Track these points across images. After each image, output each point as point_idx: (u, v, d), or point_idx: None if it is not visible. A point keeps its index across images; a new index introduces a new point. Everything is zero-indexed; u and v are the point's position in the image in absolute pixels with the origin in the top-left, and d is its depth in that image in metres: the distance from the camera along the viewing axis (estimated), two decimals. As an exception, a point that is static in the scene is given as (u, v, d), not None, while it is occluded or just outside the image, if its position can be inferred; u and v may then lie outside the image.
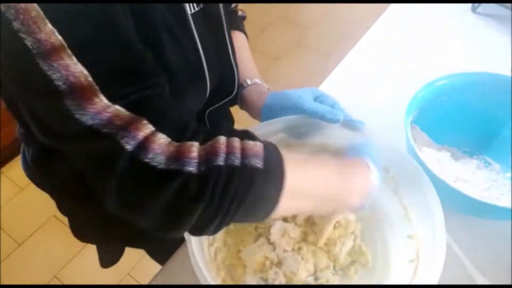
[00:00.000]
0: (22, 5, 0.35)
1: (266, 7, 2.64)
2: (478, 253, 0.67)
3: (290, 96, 0.66)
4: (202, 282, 0.50)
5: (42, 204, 1.03)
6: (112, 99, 0.38)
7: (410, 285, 0.54)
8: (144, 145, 0.38)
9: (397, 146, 0.63)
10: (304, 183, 0.48)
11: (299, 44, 2.48)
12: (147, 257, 1.03)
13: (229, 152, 0.42)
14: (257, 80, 0.75)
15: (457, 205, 0.66)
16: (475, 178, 0.76)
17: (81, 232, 0.81)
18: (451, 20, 1.09)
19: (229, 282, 0.60)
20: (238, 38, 0.79)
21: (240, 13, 0.83)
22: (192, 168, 0.39)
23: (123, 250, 0.90)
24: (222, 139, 0.42)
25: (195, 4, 0.59)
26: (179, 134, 0.41)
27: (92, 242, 0.88)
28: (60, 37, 0.36)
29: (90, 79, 0.37)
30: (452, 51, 1.00)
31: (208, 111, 0.70)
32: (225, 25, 0.65)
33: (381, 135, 0.63)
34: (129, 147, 0.38)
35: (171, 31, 0.51)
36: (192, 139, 0.41)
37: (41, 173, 0.74)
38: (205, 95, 0.62)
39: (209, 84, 0.60)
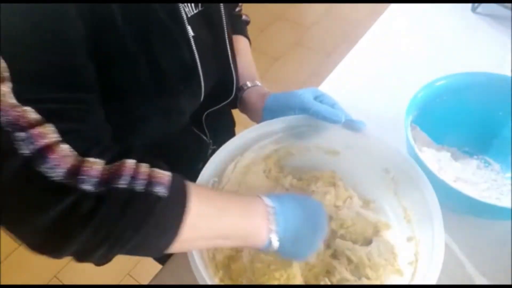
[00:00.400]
0: None
1: (266, 7, 2.64)
2: (478, 253, 0.67)
3: (291, 96, 0.66)
4: (200, 281, 0.50)
5: (42, 204, 1.03)
6: (27, 100, 0.36)
7: (410, 285, 0.54)
8: (43, 153, 0.35)
9: (397, 147, 0.63)
10: (207, 219, 0.46)
11: (299, 44, 2.48)
12: (147, 257, 1.03)
13: (134, 176, 0.39)
14: (258, 83, 0.75)
15: (457, 205, 0.66)
16: (475, 178, 0.76)
17: None
18: (451, 20, 1.09)
19: (227, 282, 0.60)
20: (240, 42, 0.79)
21: (244, 17, 0.83)
22: (90, 186, 0.37)
23: None
24: (130, 161, 0.40)
25: (193, 6, 0.59)
26: (87, 149, 0.39)
27: None
28: None
29: (6, 74, 0.35)
30: (452, 51, 1.00)
31: (205, 114, 0.70)
32: (225, 29, 0.64)
33: (381, 135, 0.63)
34: (26, 151, 0.35)
35: (165, 30, 0.51)
36: (100, 155, 0.39)
37: None
38: (199, 96, 0.61)
39: (204, 86, 0.60)
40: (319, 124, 0.64)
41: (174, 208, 0.42)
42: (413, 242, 0.59)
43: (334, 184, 0.68)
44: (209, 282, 0.50)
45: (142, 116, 0.57)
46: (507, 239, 0.69)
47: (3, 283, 1.57)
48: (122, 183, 0.38)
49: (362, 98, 0.90)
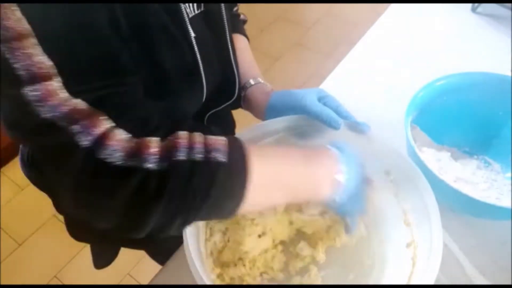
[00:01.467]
0: None
1: (266, 7, 2.64)
2: (478, 253, 0.67)
3: (294, 95, 0.65)
4: (196, 277, 0.50)
5: (42, 204, 1.03)
6: (75, 93, 0.38)
7: (410, 285, 0.54)
8: (101, 141, 0.38)
9: (398, 148, 0.63)
10: (270, 175, 0.48)
11: (299, 44, 2.48)
12: (147, 257, 1.03)
13: (191, 146, 0.41)
14: (260, 80, 0.75)
15: (457, 205, 0.66)
16: (475, 178, 0.76)
17: (78, 231, 0.81)
18: (451, 20, 1.09)
19: (226, 277, 0.60)
20: (240, 40, 0.79)
21: (242, 16, 0.84)
22: (151, 164, 0.38)
23: (118, 251, 0.90)
24: (183, 133, 0.42)
25: (195, 6, 0.59)
26: (140, 130, 0.41)
27: (88, 242, 0.88)
28: (28, 26, 0.36)
29: (54, 71, 0.37)
30: (452, 51, 1.00)
31: (207, 115, 0.70)
32: (227, 29, 0.64)
33: (382, 136, 0.63)
34: (85, 143, 0.37)
35: (166, 31, 0.51)
36: (152, 134, 0.41)
37: (37, 172, 0.74)
38: (201, 96, 0.61)
39: (206, 86, 0.60)
40: (321, 125, 0.64)
41: (237, 171, 0.43)
42: (412, 246, 0.58)
43: None
44: (203, 277, 0.49)
45: (144, 117, 0.56)
46: (507, 239, 0.69)
47: (3, 283, 1.57)
48: (181, 155, 0.40)
49: (362, 98, 0.90)
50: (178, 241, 0.69)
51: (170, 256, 0.69)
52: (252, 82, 0.74)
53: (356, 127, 0.63)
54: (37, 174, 0.75)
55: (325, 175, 0.52)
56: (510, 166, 0.77)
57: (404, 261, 0.58)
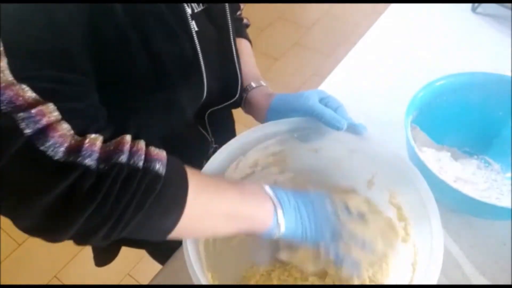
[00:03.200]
0: None
1: (266, 7, 2.64)
2: (478, 253, 0.67)
3: (296, 98, 0.65)
4: (193, 278, 0.50)
5: (42, 204, 1.03)
6: (21, 77, 0.35)
7: (410, 285, 0.54)
8: (45, 131, 0.35)
9: (397, 150, 0.62)
10: (209, 197, 0.47)
11: (299, 44, 2.48)
12: (147, 257, 1.03)
13: (134, 151, 0.39)
14: (262, 83, 0.75)
15: (457, 205, 0.66)
16: (475, 178, 0.76)
17: None
18: (451, 20, 1.09)
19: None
20: (242, 44, 0.79)
21: (245, 21, 0.84)
22: (91, 162, 0.36)
23: (119, 249, 0.89)
24: (128, 137, 0.40)
25: (196, 4, 0.59)
26: (86, 127, 0.38)
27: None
28: None
29: (1, 48, 0.35)
30: (452, 51, 1.00)
31: (208, 112, 0.70)
32: (230, 28, 0.65)
33: (381, 137, 0.63)
34: (28, 130, 0.34)
35: (164, 22, 0.51)
36: (98, 132, 0.38)
37: None
38: (201, 92, 0.61)
39: (207, 82, 0.59)
40: (322, 127, 0.64)
41: (176, 186, 0.42)
42: (412, 252, 0.58)
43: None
44: (198, 274, 0.49)
45: (142, 109, 0.56)
46: (507, 239, 0.69)
47: (3, 283, 1.57)
48: (123, 158, 0.38)
49: (362, 98, 0.90)
50: (178, 241, 0.69)
51: (170, 256, 0.69)
52: (253, 85, 0.74)
53: (353, 129, 0.63)
54: None
55: (264, 201, 0.51)
56: (510, 166, 0.77)
57: (404, 267, 0.58)
